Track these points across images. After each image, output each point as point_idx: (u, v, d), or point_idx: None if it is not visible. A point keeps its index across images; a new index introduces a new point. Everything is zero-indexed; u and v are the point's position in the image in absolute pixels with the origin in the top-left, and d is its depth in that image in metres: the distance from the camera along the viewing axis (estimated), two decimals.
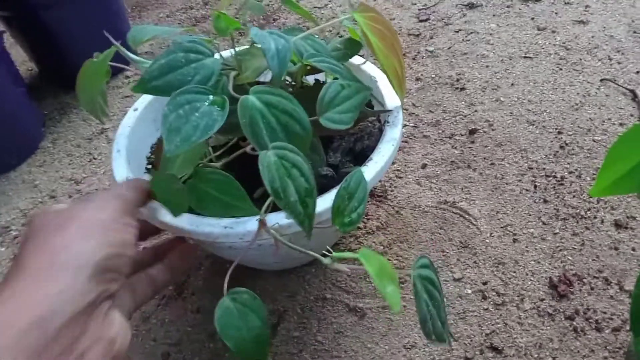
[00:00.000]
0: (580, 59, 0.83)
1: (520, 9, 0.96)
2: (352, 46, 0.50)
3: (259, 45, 0.39)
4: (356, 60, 0.57)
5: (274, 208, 0.39)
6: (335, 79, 0.44)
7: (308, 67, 0.47)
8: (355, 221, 0.39)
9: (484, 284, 0.57)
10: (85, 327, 0.31)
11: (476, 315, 0.54)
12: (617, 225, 0.60)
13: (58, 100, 0.93)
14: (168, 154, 0.35)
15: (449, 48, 0.90)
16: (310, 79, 0.54)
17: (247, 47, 0.47)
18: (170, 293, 0.61)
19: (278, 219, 0.40)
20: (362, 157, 0.47)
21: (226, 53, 0.57)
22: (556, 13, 0.93)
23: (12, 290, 0.30)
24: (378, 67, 0.56)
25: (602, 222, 0.61)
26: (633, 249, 0.58)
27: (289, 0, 0.51)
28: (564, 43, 0.87)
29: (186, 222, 0.42)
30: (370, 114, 0.52)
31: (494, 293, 0.56)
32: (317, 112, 0.42)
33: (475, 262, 0.59)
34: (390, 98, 0.52)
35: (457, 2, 1.02)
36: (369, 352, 0.53)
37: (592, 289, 0.55)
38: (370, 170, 0.44)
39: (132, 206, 0.39)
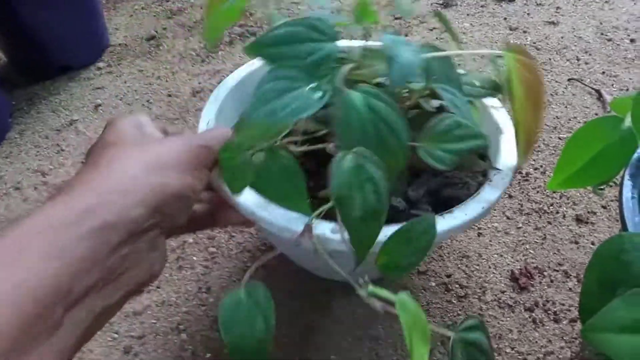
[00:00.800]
0: (550, 59, 0.85)
1: (493, 9, 0.97)
2: (491, 86, 0.46)
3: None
4: (489, 101, 0.51)
5: (329, 216, 0.37)
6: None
7: (428, 91, 0.44)
8: (402, 269, 0.36)
9: (448, 276, 0.58)
10: (135, 248, 0.32)
11: (439, 307, 0.55)
12: (578, 220, 0.61)
13: (27, 91, 0.91)
14: (246, 120, 0.34)
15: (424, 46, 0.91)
16: (430, 105, 0.47)
17: (376, 45, 0.44)
18: None
19: (328, 228, 0.37)
20: (444, 205, 0.42)
21: (346, 43, 0.53)
22: (528, 14, 0.95)
23: (86, 186, 0.31)
24: (510, 119, 0.49)
25: (564, 217, 0.62)
26: (592, 243, 0.59)
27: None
28: (534, 43, 0.88)
29: (244, 197, 0.40)
30: (478, 165, 0.46)
31: (457, 285, 0.57)
32: (419, 139, 0.39)
33: (440, 255, 0.60)
34: (507, 156, 0.45)
35: (433, 0, 1.03)
36: (335, 344, 0.53)
37: (551, 281, 0.56)
38: (444, 223, 0.39)
39: (212, 157, 0.37)
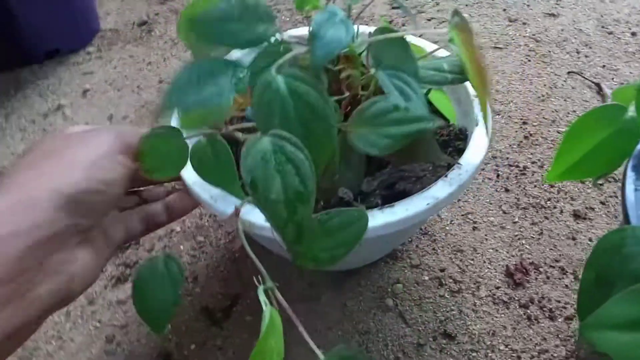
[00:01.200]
0: (549, 51, 0.83)
1: (493, 0, 0.95)
2: (461, 70, 0.41)
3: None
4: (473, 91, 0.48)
5: None
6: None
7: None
8: (320, 262, 0.34)
9: (442, 270, 0.56)
10: (46, 257, 0.30)
11: (432, 302, 0.54)
12: (576, 215, 0.60)
13: (14, 75, 0.88)
14: (160, 109, 0.35)
15: (420, 36, 0.89)
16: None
17: None
18: (119, 274, 0.59)
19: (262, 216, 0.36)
20: (398, 199, 0.40)
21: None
22: (528, 5, 0.93)
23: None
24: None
25: (562, 212, 0.60)
26: (590, 240, 0.58)
27: None
28: (533, 35, 0.86)
29: (188, 175, 0.42)
30: (439, 158, 0.43)
31: (450, 280, 0.55)
32: (349, 123, 0.37)
33: (434, 248, 0.58)
34: (474, 152, 0.43)
35: None
36: (322, 338, 0.51)
37: (547, 277, 0.55)
38: (381, 217, 0.38)
39: (130, 147, 0.37)
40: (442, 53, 0.50)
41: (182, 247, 0.61)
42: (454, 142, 0.49)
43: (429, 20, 0.93)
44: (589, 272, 0.32)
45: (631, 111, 0.36)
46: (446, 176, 0.41)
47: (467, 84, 0.49)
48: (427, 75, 0.42)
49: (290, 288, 0.56)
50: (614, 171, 0.37)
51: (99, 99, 0.82)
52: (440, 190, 0.40)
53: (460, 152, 0.45)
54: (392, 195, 0.43)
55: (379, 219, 0.38)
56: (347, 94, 0.43)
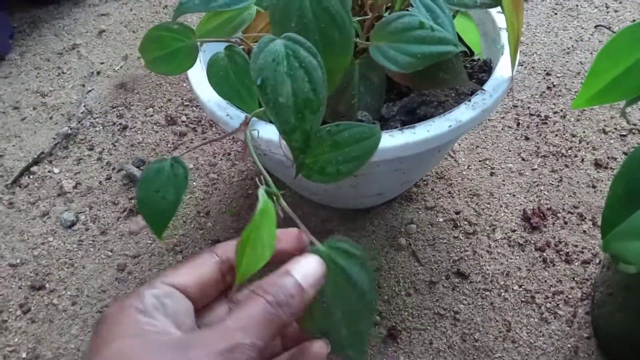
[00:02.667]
0: (577, 5, 0.80)
1: None
2: None
3: None
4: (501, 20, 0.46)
5: None
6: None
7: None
8: (328, 176, 0.33)
9: (457, 213, 0.55)
10: None
11: (445, 243, 0.53)
12: (597, 164, 0.58)
13: (29, 14, 0.88)
14: (177, 12, 0.34)
15: None
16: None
17: None
18: (131, 206, 0.59)
19: (275, 132, 0.35)
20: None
21: None
22: None
23: None
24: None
25: (582, 161, 0.59)
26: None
27: None
28: None
29: (202, 93, 0.41)
30: (463, 82, 0.39)
31: (465, 222, 0.54)
32: (372, 37, 0.36)
33: (450, 192, 0.57)
34: (498, 78, 0.41)
35: None
36: None
37: (565, 223, 0.54)
38: (401, 137, 0.37)
39: (259, 347, 0.23)
40: None
41: (194, 183, 0.60)
42: (478, 74, 0.47)
43: None
44: (618, 186, 0.31)
45: None
46: (469, 101, 0.39)
47: (496, 15, 0.48)
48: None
49: (306, 224, 0.55)
50: None
51: (114, 40, 0.81)
52: (463, 113, 0.39)
53: (484, 84, 0.43)
54: (412, 121, 0.42)
55: (398, 138, 0.37)
56: (370, 15, 0.42)
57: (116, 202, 0.59)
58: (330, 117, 0.42)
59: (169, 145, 0.64)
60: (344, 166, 0.33)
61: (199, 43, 0.39)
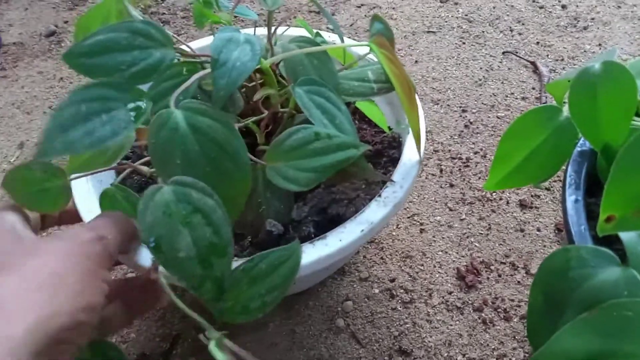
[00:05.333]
0: (483, 32, 0.81)
1: None
2: (387, 79, 0.37)
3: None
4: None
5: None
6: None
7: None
8: (252, 312, 0.30)
9: (392, 281, 0.53)
10: None
11: (384, 317, 0.51)
12: (522, 205, 0.58)
13: None
14: (37, 157, 0.27)
15: (351, 25, 0.85)
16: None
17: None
18: None
19: None
20: (333, 224, 0.37)
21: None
22: None
23: None
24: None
25: (508, 203, 0.59)
26: (538, 229, 0.56)
27: None
28: (466, 15, 0.84)
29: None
30: (372, 175, 0.39)
31: (402, 290, 0.53)
32: (266, 157, 0.33)
33: (382, 257, 0.55)
34: (405, 165, 0.39)
35: None
36: None
37: (499, 275, 0.53)
38: (312, 253, 0.34)
39: (111, 255, 0.29)
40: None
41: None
42: (388, 150, 0.45)
43: (359, 7, 0.89)
44: (536, 295, 0.30)
45: (566, 111, 0.34)
46: (380, 195, 0.37)
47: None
48: (351, 86, 0.39)
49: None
50: (553, 175, 0.35)
51: (6, 125, 0.74)
52: (374, 212, 0.36)
53: (395, 161, 0.42)
54: (325, 220, 0.39)
55: (311, 254, 0.35)
56: (265, 112, 0.39)
57: None
58: (237, 228, 0.39)
59: None
60: (269, 297, 0.31)
61: (72, 181, 0.35)
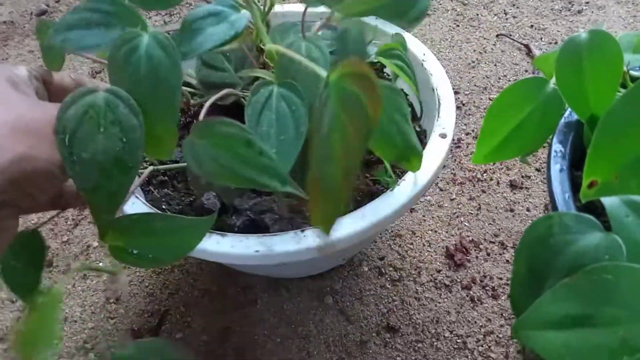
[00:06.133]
0: (477, 14, 0.80)
1: None
2: None
3: None
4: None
5: None
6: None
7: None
8: (140, 260, 0.32)
9: (381, 259, 0.53)
10: None
11: (373, 294, 0.51)
12: (513, 185, 0.58)
13: None
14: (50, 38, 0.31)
15: None
16: None
17: None
18: None
19: None
20: (257, 229, 0.38)
21: None
22: None
23: None
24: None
25: (498, 183, 0.59)
26: (527, 210, 0.56)
27: None
28: None
29: None
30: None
31: (391, 268, 0.53)
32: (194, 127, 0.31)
33: None
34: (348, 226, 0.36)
35: None
36: (259, 347, 0.48)
37: (488, 254, 0.53)
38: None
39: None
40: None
41: (101, 264, 0.55)
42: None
43: None
44: (519, 265, 0.30)
45: (553, 83, 0.34)
46: (302, 231, 0.36)
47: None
48: None
49: (225, 295, 0.52)
50: (539, 147, 0.35)
51: None
52: (281, 242, 0.35)
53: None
54: (254, 224, 0.39)
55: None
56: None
57: (14, 299, 0.53)
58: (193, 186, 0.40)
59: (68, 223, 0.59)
60: (163, 255, 0.32)
61: None
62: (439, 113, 0.42)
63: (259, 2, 0.39)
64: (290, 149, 0.31)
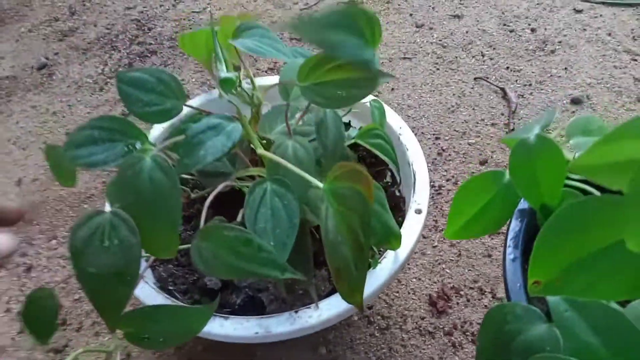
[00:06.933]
0: (456, 57, 0.85)
1: (399, 5, 0.96)
2: None
3: None
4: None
5: None
6: None
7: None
8: (155, 344, 0.36)
9: (370, 308, 0.58)
10: None
11: (363, 343, 0.55)
12: None
13: None
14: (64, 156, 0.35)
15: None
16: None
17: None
18: None
19: None
20: (255, 306, 0.43)
21: None
22: (433, 7, 0.94)
23: None
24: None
25: None
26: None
27: None
28: (440, 40, 0.88)
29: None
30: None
31: (379, 317, 0.57)
32: (198, 236, 0.36)
33: None
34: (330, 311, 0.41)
35: None
36: None
37: (468, 300, 0.58)
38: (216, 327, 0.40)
39: None
40: None
41: None
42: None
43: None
44: (483, 343, 0.34)
45: (508, 176, 0.38)
46: (296, 312, 0.41)
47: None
48: None
49: (226, 349, 0.56)
50: (500, 229, 0.39)
51: (3, 162, 0.77)
52: (278, 324, 0.40)
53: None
54: (253, 300, 0.44)
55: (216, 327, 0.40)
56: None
57: (33, 358, 0.57)
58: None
59: None
60: (168, 340, 0.36)
61: None
62: (414, 187, 0.46)
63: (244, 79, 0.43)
64: (285, 239, 0.36)
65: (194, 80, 0.86)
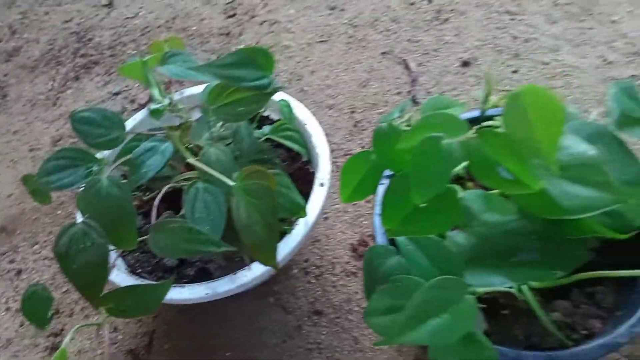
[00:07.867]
0: (365, 35, 0.96)
1: None
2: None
3: None
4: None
5: None
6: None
7: None
8: (130, 313, 0.51)
9: (305, 261, 0.72)
10: None
11: (302, 289, 0.70)
12: None
13: None
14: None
15: (257, 43, 1.00)
16: None
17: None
18: (50, 344, 0.70)
19: None
20: (206, 276, 0.57)
21: None
22: None
23: None
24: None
25: None
26: None
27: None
28: (351, 20, 0.99)
29: None
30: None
31: (313, 267, 0.71)
32: (152, 229, 0.50)
33: None
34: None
35: None
36: (228, 337, 0.67)
37: None
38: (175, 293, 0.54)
39: None
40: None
41: None
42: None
43: (261, 24, 1.03)
44: (365, 275, 0.49)
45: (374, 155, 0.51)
46: (234, 274, 0.55)
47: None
48: None
49: (194, 308, 0.70)
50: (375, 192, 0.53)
51: None
52: (221, 285, 0.54)
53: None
54: (203, 272, 0.57)
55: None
56: None
57: (36, 343, 0.70)
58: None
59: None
60: (142, 311, 0.51)
61: None
62: (318, 166, 0.60)
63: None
64: (218, 223, 0.49)
65: (137, 86, 0.96)
